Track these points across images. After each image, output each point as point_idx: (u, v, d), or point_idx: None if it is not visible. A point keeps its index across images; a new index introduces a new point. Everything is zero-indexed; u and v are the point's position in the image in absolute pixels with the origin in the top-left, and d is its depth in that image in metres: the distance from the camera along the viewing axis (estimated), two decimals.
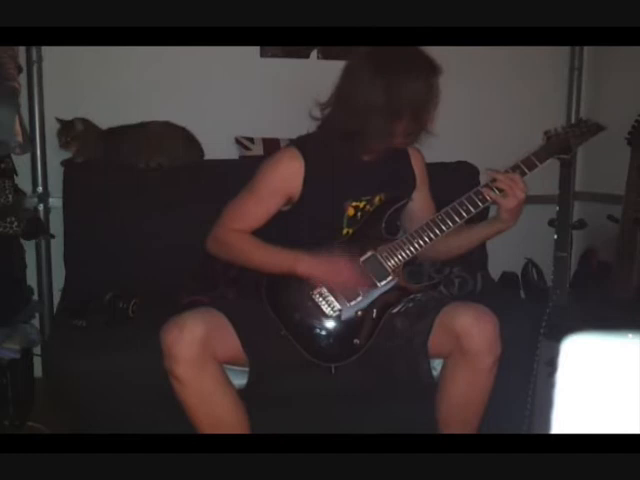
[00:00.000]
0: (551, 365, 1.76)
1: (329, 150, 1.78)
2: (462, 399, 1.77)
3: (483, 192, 1.75)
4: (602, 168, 2.87)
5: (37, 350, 2.43)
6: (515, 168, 1.76)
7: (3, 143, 2.09)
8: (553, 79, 3.03)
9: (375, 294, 1.78)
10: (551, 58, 2.96)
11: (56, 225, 2.49)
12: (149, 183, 2.38)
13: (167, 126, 2.45)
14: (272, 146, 2.55)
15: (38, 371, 2.41)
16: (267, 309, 1.78)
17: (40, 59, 2.43)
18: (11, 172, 2.24)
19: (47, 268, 2.56)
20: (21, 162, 2.38)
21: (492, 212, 1.88)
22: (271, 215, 1.80)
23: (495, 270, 2.69)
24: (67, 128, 2.40)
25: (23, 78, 2.33)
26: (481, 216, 1.86)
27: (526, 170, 1.75)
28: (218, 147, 2.55)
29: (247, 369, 1.74)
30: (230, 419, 1.70)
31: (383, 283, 1.78)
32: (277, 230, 1.81)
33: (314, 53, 2.73)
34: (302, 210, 1.80)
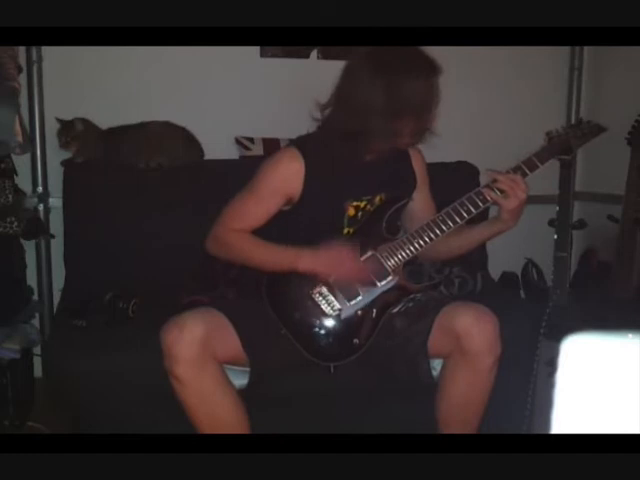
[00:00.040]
0: (551, 365, 1.76)
1: (329, 150, 1.77)
2: (462, 399, 1.77)
3: (484, 192, 1.75)
4: (602, 168, 2.87)
5: (37, 350, 2.43)
6: (516, 169, 1.76)
7: (3, 143, 2.09)
8: (553, 79, 3.03)
9: (375, 294, 1.78)
10: (551, 58, 2.97)
11: (56, 225, 2.49)
12: (149, 183, 2.38)
13: (167, 126, 2.45)
14: (272, 146, 2.55)
15: (38, 371, 2.42)
16: (267, 308, 1.78)
17: (40, 59, 2.43)
18: (11, 172, 2.24)
19: (47, 268, 2.56)
20: (21, 162, 2.37)
21: (493, 212, 1.88)
22: (271, 215, 1.80)
23: (495, 270, 2.69)
24: (67, 128, 2.40)
25: (23, 78, 2.33)
26: (481, 216, 1.86)
27: (527, 171, 1.76)
28: (218, 147, 2.55)
29: (247, 369, 1.74)
30: (230, 419, 1.70)
31: (383, 283, 1.78)
32: (277, 230, 1.81)
33: (314, 53, 2.73)
34: (302, 210, 1.80)
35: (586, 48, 3.02)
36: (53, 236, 2.51)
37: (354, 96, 1.71)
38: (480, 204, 1.75)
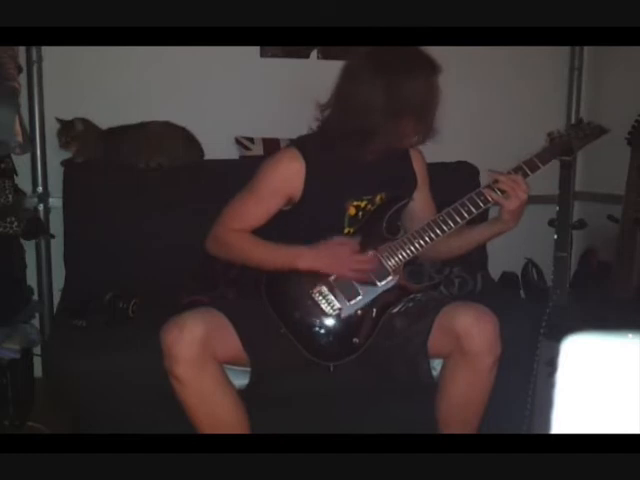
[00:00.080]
0: (551, 365, 1.76)
1: (329, 150, 1.77)
2: (462, 399, 1.77)
3: (485, 193, 1.75)
4: (602, 168, 2.87)
5: (37, 350, 2.43)
6: (517, 169, 1.76)
7: (3, 143, 2.09)
8: (553, 79, 3.03)
9: (375, 293, 1.79)
10: (551, 58, 2.97)
11: (56, 225, 2.49)
12: (149, 183, 2.38)
13: (167, 126, 2.45)
14: (272, 146, 2.55)
15: (38, 371, 2.42)
16: (267, 308, 1.78)
17: (40, 59, 2.43)
18: (11, 172, 2.24)
19: (47, 268, 2.56)
20: (21, 162, 2.37)
21: (493, 213, 1.88)
22: (271, 215, 1.80)
23: (495, 270, 2.69)
24: (67, 128, 2.40)
25: (23, 78, 2.33)
26: (481, 217, 1.86)
27: (528, 172, 1.76)
28: (218, 147, 2.55)
29: (247, 369, 1.74)
30: (230, 419, 1.70)
31: (383, 282, 1.78)
32: (277, 230, 1.81)
33: (314, 53, 2.73)
34: (303, 210, 1.80)
35: (586, 48, 3.01)
36: (53, 236, 2.51)
37: (354, 96, 1.71)
38: (481, 204, 1.75)
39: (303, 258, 1.73)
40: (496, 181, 1.74)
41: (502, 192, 1.73)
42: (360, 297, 1.78)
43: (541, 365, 1.80)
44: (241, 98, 2.66)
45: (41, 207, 2.51)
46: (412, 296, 1.83)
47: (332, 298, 1.77)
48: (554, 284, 1.87)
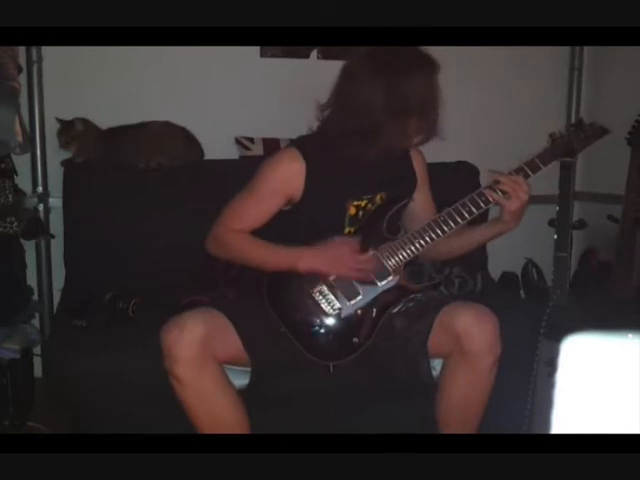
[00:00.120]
0: (551, 365, 1.76)
1: (329, 150, 1.77)
2: (462, 399, 1.77)
3: (486, 193, 1.75)
4: (602, 168, 2.87)
5: (37, 350, 2.43)
6: (519, 170, 1.76)
7: (3, 143, 2.09)
8: (553, 79, 3.03)
9: (375, 293, 1.78)
10: (551, 58, 2.97)
11: (56, 225, 2.49)
12: (149, 183, 2.38)
13: (167, 126, 2.45)
14: (272, 146, 2.55)
15: (38, 371, 2.42)
16: (267, 307, 1.78)
17: (40, 59, 2.43)
18: (11, 172, 2.24)
19: (47, 268, 2.56)
20: (21, 162, 2.37)
21: (493, 213, 1.88)
22: (271, 215, 1.80)
23: (495, 270, 2.69)
24: (67, 128, 2.40)
25: (23, 78, 2.33)
26: (480, 218, 1.86)
27: (530, 172, 1.76)
28: (218, 147, 2.55)
29: (247, 369, 1.74)
30: (230, 419, 1.70)
31: (383, 282, 1.78)
32: (277, 230, 1.81)
33: (314, 53, 2.73)
34: (303, 210, 1.80)
35: (586, 48, 3.02)
36: (53, 236, 2.51)
37: (354, 96, 1.71)
38: (482, 205, 1.75)
39: (303, 259, 1.73)
40: (497, 182, 1.74)
41: (503, 193, 1.73)
42: (360, 297, 1.78)
43: (541, 365, 1.80)
44: (241, 98, 2.66)
45: (41, 207, 2.51)
46: (412, 296, 1.83)
47: (332, 298, 1.77)
48: (554, 284, 1.86)
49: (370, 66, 1.69)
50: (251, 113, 2.64)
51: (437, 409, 1.81)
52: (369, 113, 1.68)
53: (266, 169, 1.80)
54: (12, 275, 2.31)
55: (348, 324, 1.77)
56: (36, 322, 2.49)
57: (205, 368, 1.63)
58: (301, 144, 1.82)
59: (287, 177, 1.78)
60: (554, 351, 0.72)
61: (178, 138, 2.45)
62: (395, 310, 1.82)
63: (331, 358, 1.77)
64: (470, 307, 1.75)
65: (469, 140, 2.80)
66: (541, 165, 1.77)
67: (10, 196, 2.14)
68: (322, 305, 1.77)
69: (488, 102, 2.92)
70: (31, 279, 2.50)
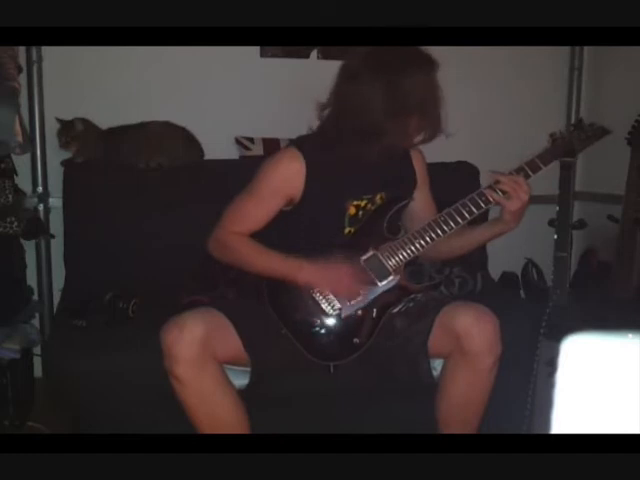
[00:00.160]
0: (551, 365, 1.76)
1: (329, 150, 1.77)
2: (462, 399, 1.77)
3: (486, 194, 1.75)
4: (602, 168, 2.87)
5: (37, 350, 2.43)
6: (519, 170, 1.76)
7: (3, 143, 2.09)
8: (553, 79, 3.03)
9: (376, 293, 1.78)
10: (551, 58, 2.97)
11: (56, 225, 2.49)
12: (149, 183, 2.38)
13: (167, 126, 2.45)
14: (272, 146, 2.55)
15: (38, 371, 2.42)
16: (267, 308, 1.78)
17: (40, 59, 2.43)
18: (11, 172, 2.24)
19: (47, 268, 2.56)
20: (21, 162, 2.37)
21: (493, 214, 1.88)
22: (272, 217, 1.80)
23: (495, 270, 2.69)
24: (67, 128, 2.40)
25: (23, 78, 2.33)
26: (480, 218, 1.86)
27: (530, 173, 1.76)
28: (218, 147, 2.55)
29: (248, 369, 1.74)
30: (230, 419, 1.70)
31: (384, 282, 1.78)
32: (278, 230, 1.81)
33: (314, 53, 2.73)
34: (303, 210, 1.80)
35: (586, 48, 3.01)
36: (53, 236, 2.51)
37: (353, 96, 1.70)
38: (482, 205, 1.75)
39: (303, 273, 1.73)
40: (497, 182, 1.74)
41: (503, 193, 1.73)
42: (360, 297, 1.78)
43: (541, 365, 1.80)
44: (241, 98, 2.66)
45: (41, 207, 2.51)
46: (412, 296, 1.83)
47: (332, 298, 1.77)
48: (554, 284, 1.86)
49: (369, 65, 1.68)
50: (251, 113, 2.64)
51: (437, 409, 1.81)
52: (369, 113, 1.68)
53: (266, 169, 1.80)
54: (12, 275, 2.31)
55: (348, 324, 1.77)
56: (36, 322, 2.50)
57: (205, 368, 1.63)
58: (301, 144, 1.82)
59: (287, 177, 1.78)
60: (554, 351, 0.72)
61: (178, 138, 2.45)
62: (395, 310, 1.82)
63: (331, 358, 1.77)
64: (470, 307, 1.75)
65: (469, 140, 2.79)
66: (541, 165, 1.77)
67: (10, 196, 2.14)
68: (322, 305, 1.77)
69: (488, 102, 2.92)
70: (31, 279, 2.50)
